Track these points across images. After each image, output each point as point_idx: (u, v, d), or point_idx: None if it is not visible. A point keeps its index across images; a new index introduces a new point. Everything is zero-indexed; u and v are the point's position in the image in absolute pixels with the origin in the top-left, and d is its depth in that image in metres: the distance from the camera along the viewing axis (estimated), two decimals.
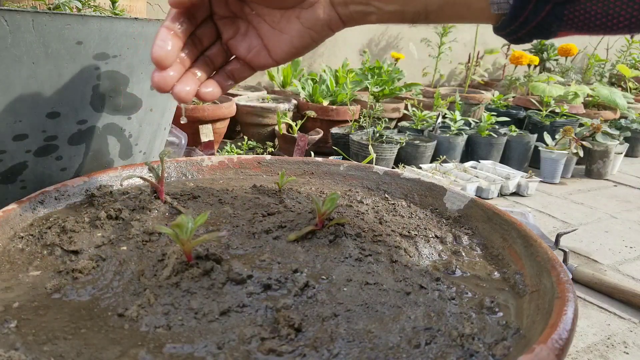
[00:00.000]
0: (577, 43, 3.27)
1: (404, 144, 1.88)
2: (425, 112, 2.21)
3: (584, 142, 1.98)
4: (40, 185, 0.57)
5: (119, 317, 0.36)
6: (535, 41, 3.39)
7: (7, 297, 0.38)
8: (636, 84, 3.26)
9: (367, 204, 0.61)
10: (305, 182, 0.69)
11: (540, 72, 3.26)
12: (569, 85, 2.59)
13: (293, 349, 0.33)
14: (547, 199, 1.79)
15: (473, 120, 2.21)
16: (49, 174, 0.58)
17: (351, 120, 2.01)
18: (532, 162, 2.19)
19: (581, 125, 2.23)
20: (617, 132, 2.14)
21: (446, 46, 2.92)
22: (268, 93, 2.27)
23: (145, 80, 0.63)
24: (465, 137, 2.04)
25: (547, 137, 2.03)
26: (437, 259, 0.49)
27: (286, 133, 1.87)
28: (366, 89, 2.37)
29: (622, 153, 2.19)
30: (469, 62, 3.05)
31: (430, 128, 2.09)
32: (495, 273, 0.47)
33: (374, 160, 1.67)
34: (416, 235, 0.52)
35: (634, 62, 3.40)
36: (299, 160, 0.73)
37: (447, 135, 2.00)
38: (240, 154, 1.64)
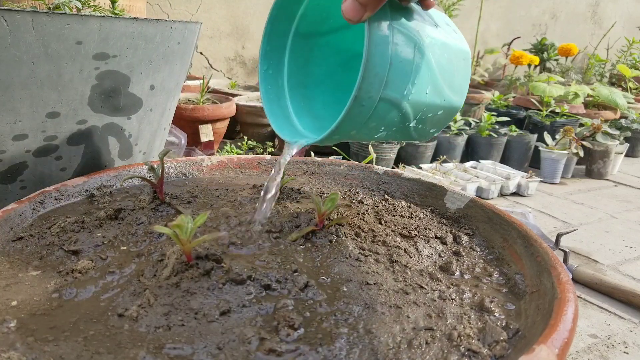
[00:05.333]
0: (578, 43, 3.28)
1: (404, 143, 1.88)
2: None
3: (584, 142, 1.98)
4: (40, 185, 0.57)
5: (119, 317, 0.36)
6: (535, 41, 3.39)
7: (7, 297, 0.38)
8: (636, 84, 3.26)
9: (367, 204, 0.61)
10: (305, 182, 0.69)
11: (541, 72, 3.26)
12: (569, 85, 2.59)
13: (293, 349, 0.33)
14: (547, 199, 1.79)
15: (473, 120, 2.21)
16: (49, 174, 0.58)
17: None
18: (533, 162, 2.18)
19: (581, 125, 2.23)
20: (617, 132, 2.14)
21: None
22: None
23: (145, 80, 0.63)
24: (465, 137, 2.03)
25: (547, 137, 2.03)
26: (437, 259, 0.49)
27: None
28: None
29: (622, 153, 2.19)
30: None
31: None
32: (496, 273, 0.47)
33: (374, 160, 1.67)
34: (416, 235, 0.52)
35: (634, 62, 3.40)
36: (299, 160, 0.73)
37: (447, 135, 1.99)
38: (240, 154, 1.64)
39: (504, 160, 2.10)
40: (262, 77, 0.54)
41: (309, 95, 0.57)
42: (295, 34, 0.54)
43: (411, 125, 0.46)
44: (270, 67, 0.55)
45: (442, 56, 0.44)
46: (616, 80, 3.39)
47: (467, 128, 2.13)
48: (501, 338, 0.36)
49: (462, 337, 0.35)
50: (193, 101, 1.80)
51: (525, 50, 3.23)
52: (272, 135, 2.02)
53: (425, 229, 0.54)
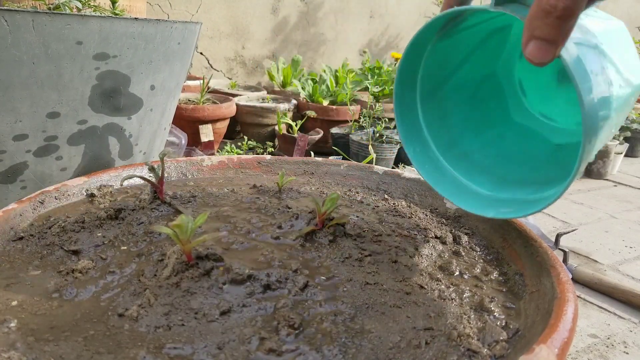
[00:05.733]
0: None
1: None
2: None
3: None
4: (40, 185, 0.57)
5: (119, 317, 0.36)
6: None
7: (7, 297, 0.38)
8: None
9: (367, 204, 0.61)
10: (305, 182, 0.69)
11: None
12: None
13: (293, 348, 0.33)
14: None
15: None
16: (49, 174, 0.58)
17: (351, 120, 2.01)
18: None
19: None
20: (617, 132, 2.14)
21: None
22: (268, 93, 2.27)
23: (145, 80, 0.63)
24: None
25: None
26: (436, 259, 0.49)
27: (286, 133, 1.87)
28: (366, 89, 2.37)
29: (622, 153, 2.19)
30: None
31: None
32: (495, 273, 0.47)
33: (374, 160, 1.67)
34: (416, 235, 0.52)
35: None
36: (299, 160, 0.73)
37: None
38: (240, 154, 1.64)
39: None
40: (415, 161, 0.51)
41: (462, 151, 0.54)
42: (422, 99, 0.51)
43: (614, 130, 0.43)
44: (416, 146, 0.51)
45: (612, 43, 0.41)
46: None
47: None
48: (501, 338, 0.36)
49: (461, 337, 0.35)
50: (193, 101, 1.80)
51: None
52: (272, 135, 2.02)
53: (425, 228, 0.54)
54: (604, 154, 2.06)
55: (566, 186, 0.39)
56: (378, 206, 0.61)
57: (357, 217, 0.55)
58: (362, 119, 2.04)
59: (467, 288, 0.43)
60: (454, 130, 0.54)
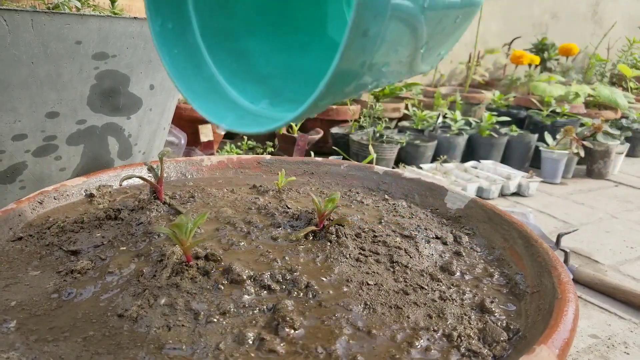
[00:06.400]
0: (578, 43, 3.27)
1: (405, 144, 1.87)
2: (426, 111, 2.21)
3: (584, 142, 1.98)
4: (40, 185, 0.57)
5: (118, 317, 0.36)
6: (536, 40, 3.39)
7: (7, 297, 0.38)
8: (637, 83, 3.25)
9: (367, 204, 0.61)
10: (305, 182, 0.69)
11: (541, 72, 3.26)
12: (570, 85, 2.58)
13: (293, 349, 0.33)
14: (548, 199, 1.79)
15: (474, 120, 2.21)
16: (48, 173, 0.58)
17: (351, 120, 2.01)
18: (533, 162, 2.18)
19: (582, 125, 2.23)
20: (618, 132, 2.14)
21: None
22: None
23: (144, 80, 0.63)
24: (465, 137, 2.03)
25: (548, 137, 2.03)
26: (437, 259, 0.49)
27: (286, 133, 1.87)
28: None
29: (623, 153, 2.19)
30: (469, 61, 3.04)
31: (431, 128, 2.08)
32: (496, 274, 0.47)
33: (374, 160, 1.67)
34: (416, 235, 0.52)
35: (634, 61, 3.40)
36: (299, 160, 0.73)
37: (448, 135, 1.99)
38: (240, 154, 1.64)
39: (504, 160, 2.10)
40: (159, 39, 0.35)
41: (241, 49, 0.39)
42: None
43: (422, 50, 0.30)
44: (169, 20, 0.35)
45: None
46: (617, 80, 3.39)
47: (468, 128, 2.13)
48: (502, 338, 0.35)
49: (462, 338, 0.35)
50: None
51: (526, 50, 3.23)
52: (272, 135, 2.02)
53: (426, 229, 0.54)
54: (605, 154, 2.06)
55: (303, 108, 0.26)
56: (378, 206, 0.60)
57: (357, 217, 0.55)
58: (362, 119, 2.04)
59: (468, 289, 0.43)
60: (240, 19, 0.39)
